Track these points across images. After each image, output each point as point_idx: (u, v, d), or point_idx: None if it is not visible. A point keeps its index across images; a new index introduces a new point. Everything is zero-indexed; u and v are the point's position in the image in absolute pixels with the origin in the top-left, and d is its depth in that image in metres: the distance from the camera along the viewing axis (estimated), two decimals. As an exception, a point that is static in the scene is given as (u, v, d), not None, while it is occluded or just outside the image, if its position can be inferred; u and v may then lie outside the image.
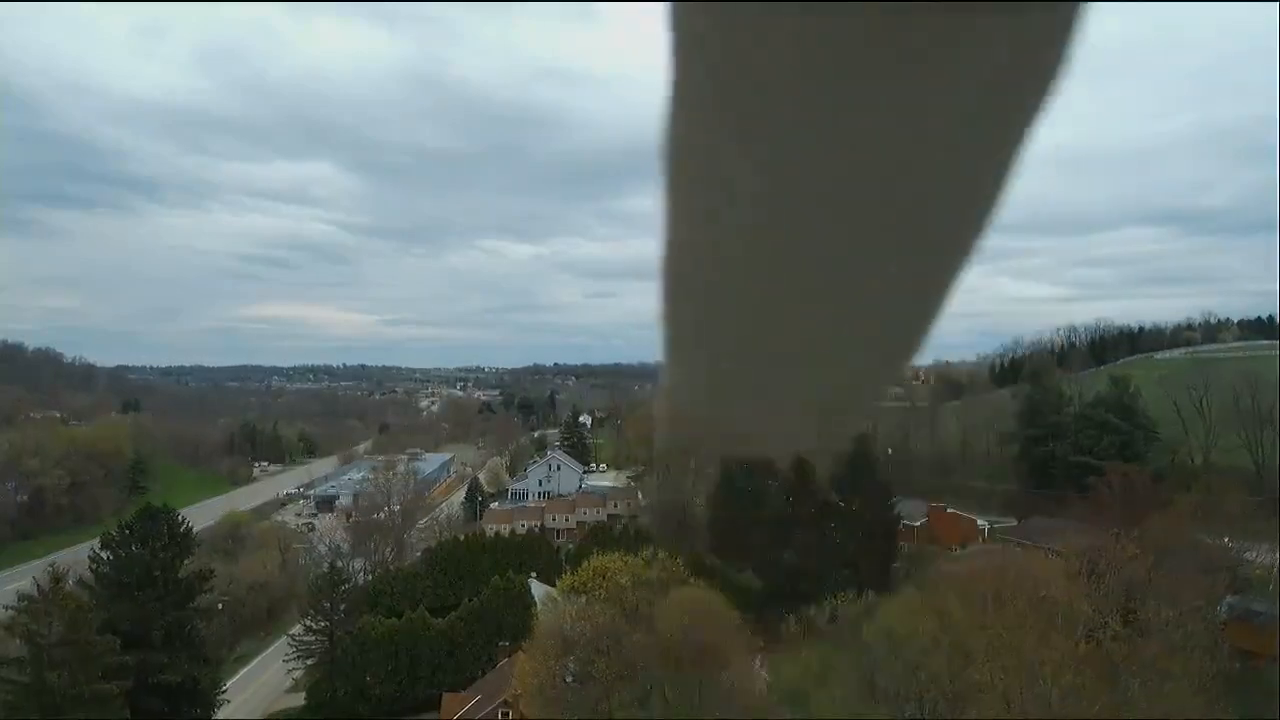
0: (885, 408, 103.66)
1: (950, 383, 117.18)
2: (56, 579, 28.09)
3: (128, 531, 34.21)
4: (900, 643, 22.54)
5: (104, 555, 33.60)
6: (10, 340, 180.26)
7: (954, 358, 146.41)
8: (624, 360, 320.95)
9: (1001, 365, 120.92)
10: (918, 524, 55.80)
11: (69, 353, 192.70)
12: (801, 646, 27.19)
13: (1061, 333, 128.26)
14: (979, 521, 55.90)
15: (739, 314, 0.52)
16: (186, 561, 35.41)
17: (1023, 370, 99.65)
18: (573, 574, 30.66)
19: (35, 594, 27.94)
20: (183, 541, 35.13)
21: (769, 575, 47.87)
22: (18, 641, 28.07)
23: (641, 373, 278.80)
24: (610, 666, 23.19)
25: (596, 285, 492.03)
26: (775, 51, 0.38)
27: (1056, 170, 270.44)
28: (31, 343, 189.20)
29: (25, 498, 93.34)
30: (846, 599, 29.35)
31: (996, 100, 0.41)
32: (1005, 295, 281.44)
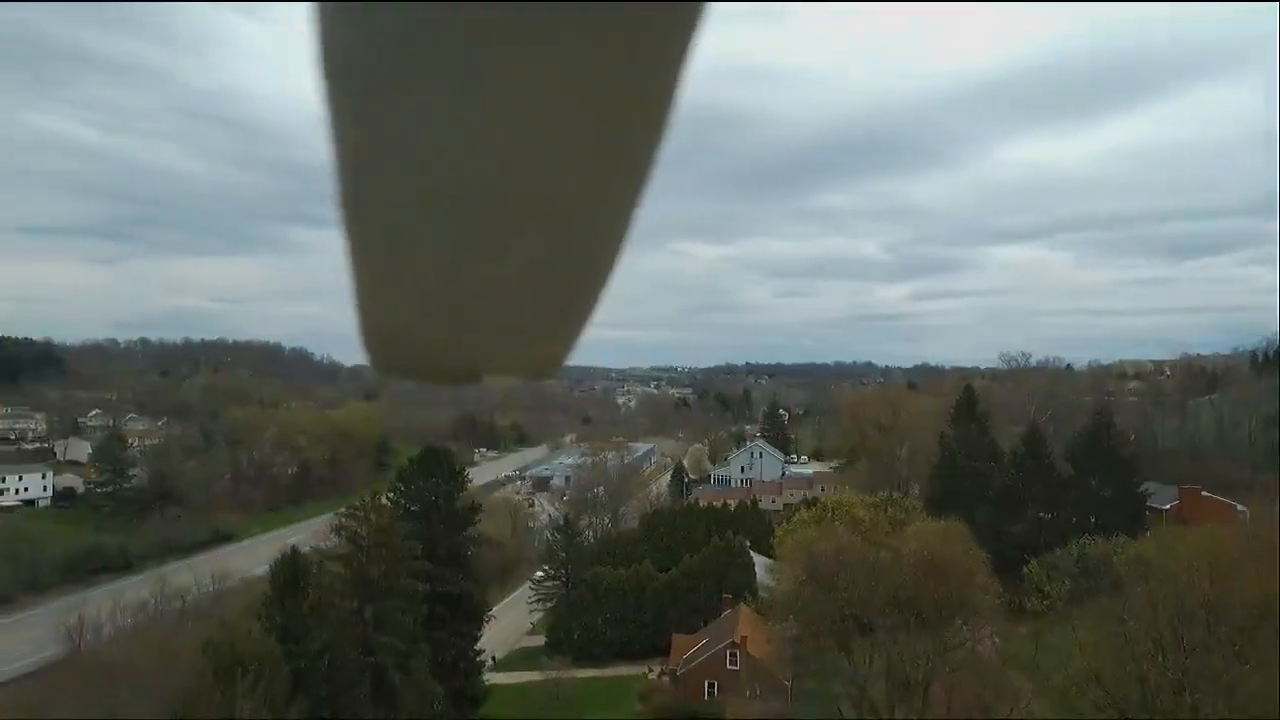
0: (1124, 402, 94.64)
1: (1202, 375, 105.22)
2: (374, 494, 34.01)
3: (415, 467, 40.34)
4: (1158, 571, 21.65)
5: (399, 486, 39.85)
6: (271, 341, 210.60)
7: (1205, 351, 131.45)
8: (816, 359, 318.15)
9: (1265, 356, 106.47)
10: (1167, 508, 51.28)
11: (317, 352, 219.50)
12: (1047, 584, 26.66)
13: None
14: (1239, 508, 50.24)
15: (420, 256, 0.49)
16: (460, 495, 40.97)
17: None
18: (808, 509, 32.14)
19: (356, 505, 33.96)
20: (459, 477, 40.74)
21: (996, 549, 46.34)
22: (343, 541, 34.21)
23: (838, 372, 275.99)
24: (852, 577, 24.41)
25: (785, 284, 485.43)
26: (415, 35, 0.37)
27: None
28: (287, 343, 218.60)
29: (295, 469, 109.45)
30: (1094, 543, 28.20)
31: (626, 95, 0.41)
32: (1263, 287, 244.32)
